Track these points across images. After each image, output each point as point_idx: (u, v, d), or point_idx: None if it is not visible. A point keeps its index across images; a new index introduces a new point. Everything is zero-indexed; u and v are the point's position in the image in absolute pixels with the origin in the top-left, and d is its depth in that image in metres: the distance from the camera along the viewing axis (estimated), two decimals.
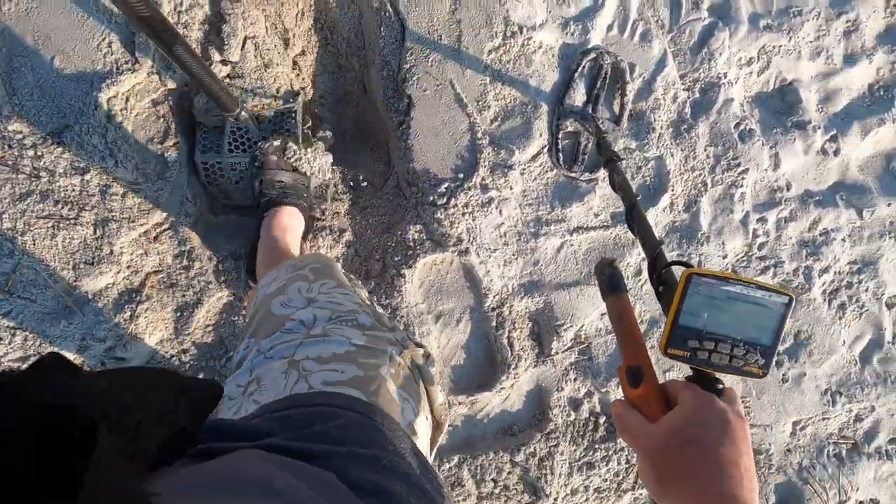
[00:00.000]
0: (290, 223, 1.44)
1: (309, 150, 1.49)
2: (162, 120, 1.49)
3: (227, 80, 1.49)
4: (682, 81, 1.72)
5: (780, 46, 1.76)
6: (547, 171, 1.66)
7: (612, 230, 1.69)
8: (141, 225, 1.47)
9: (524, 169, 1.64)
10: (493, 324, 1.65)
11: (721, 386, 0.71)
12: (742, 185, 1.74)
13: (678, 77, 1.71)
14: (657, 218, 1.72)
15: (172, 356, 1.53)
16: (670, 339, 0.71)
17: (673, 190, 1.71)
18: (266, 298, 0.91)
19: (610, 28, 1.68)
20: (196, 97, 1.50)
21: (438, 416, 0.87)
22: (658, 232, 1.72)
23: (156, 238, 1.50)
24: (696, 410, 0.65)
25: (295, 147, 1.47)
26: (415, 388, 0.81)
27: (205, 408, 0.49)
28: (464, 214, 1.60)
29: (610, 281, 0.84)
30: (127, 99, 1.44)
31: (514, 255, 1.65)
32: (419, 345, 0.89)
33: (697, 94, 1.73)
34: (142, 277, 1.50)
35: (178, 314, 1.52)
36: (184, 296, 1.52)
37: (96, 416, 0.34)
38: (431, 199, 1.60)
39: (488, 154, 1.61)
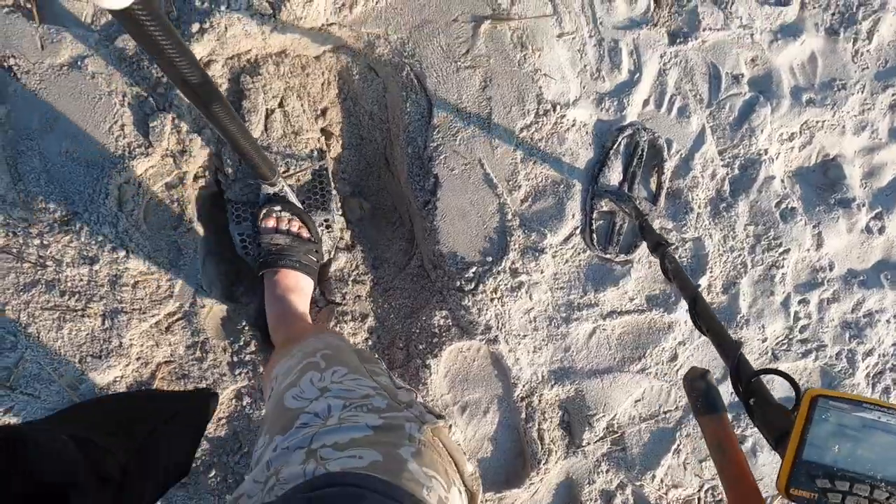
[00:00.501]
0: (290, 285, 1.38)
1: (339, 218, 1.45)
2: (176, 204, 1.41)
3: None
4: (720, 158, 1.63)
5: (824, 121, 1.68)
6: (579, 254, 1.57)
7: (647, 314, 1.60)
8: (152, 316, 1.39)
9: (556, 252, 1.55)
10: (523, 415, 1.56)
11: None
12: (783, 266, 1.65)
13: (717, 153, 1.63)
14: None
15: None
16: (792, 475, 0.60)
17: (711, 272, 1.62)
18: (279, 392, 0.91)
19: (646, 103, 1.60)
20: (221, 173, 1.43)
21: (471, 486, 0.84)
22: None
23: (168, 328, 1.41)
24: None
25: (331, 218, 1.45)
26: (440, 464, 0.78)
27: (200, 423, 0.49)
28: (492, 300, 1.52)
29: (706, 399, 0.73)
30: (139, 184, 1.36)
31: (544, 341, 1.56)
32: (439, 416, 0.86)
33: (737, 171, 1.64)
34: (152, 369, 1.41)
35: None
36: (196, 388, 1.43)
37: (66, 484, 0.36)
38: (458, 283, 1.51)
39: (518, 236, 1.53)
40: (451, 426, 0.84)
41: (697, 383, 0.73)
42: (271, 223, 1.39)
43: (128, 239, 1.35)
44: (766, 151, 1.64)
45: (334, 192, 1.50)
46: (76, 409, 0.47)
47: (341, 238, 1.54)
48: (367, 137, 1.63)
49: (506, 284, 1.52)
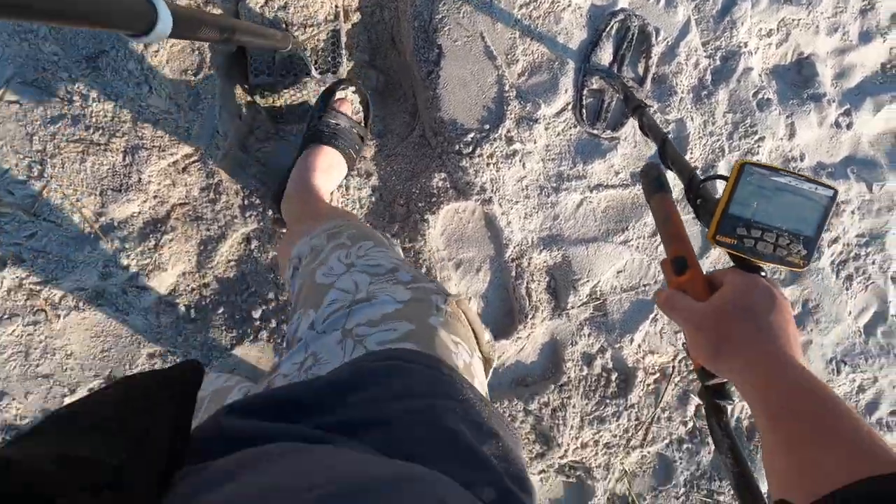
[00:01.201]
0: (329, 163, 1.44)
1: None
2: (197, 52, 1.50)
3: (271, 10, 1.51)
4: (703, 49, 1.76)
5: (799, 20, 1.81)
6: (570, 128, 1.69)
7: (630, 189, 1.72)
8: (171, 154, 1.48)
9: (549, 124, 1.66)
10: (513, 274, 1.67)
11: (763, 273, 0.75)
12: (758, 153, 1.78)
13: (700, 44, 1.75)
14: (674, 181, 1.74)
15: (193, 289, 1.53)
16: (719, 226, 0.73)
17: (691, 153, 1.74)
18: (311, 270, 0.93)
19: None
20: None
21: (487, 353, 0.90)
22: (677, 193, 1.75)
23: (184, 169, 1.50)
24: (745, 286, 0.69)
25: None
26: (464, 331, 0.82)
27: (188, 398, 0.50)
28: (488, 165, 1.63)
29: (657, 181, 0.88)
30: None
31: (534, 208, 1.67)
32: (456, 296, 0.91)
33: (718, 62, 1.77)
34: (168, 208, 1.50)
35: (202, 247, 1.52)
36: (208, 229, 1.52)
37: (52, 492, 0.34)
38: (457, 147, 1.62)
39: (515, 107, 1.63)
40: (470, 299, 0.91)
41: (651, 171, 0.88)
42: (340, 104, 1.47)
43: (151, 77, 1.44)
44: (745, 44, 1.77)
45: (345, 55, 1.59)
46: (50, 421, 0.44)
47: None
48: (377, 18, 1.73)
49: (501, 151, 1.63)
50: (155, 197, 1.49)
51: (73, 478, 0.37)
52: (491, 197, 1.64)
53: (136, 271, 1.48)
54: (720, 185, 1.66)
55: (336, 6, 1.57)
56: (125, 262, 1.47)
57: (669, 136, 1.35)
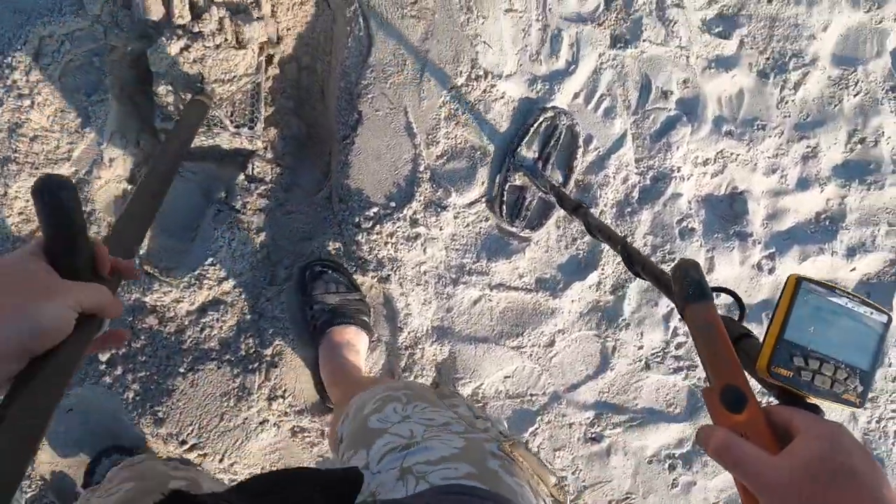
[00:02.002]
0: (347, 341, 1.46)
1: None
2: (96, 73, 1.42)
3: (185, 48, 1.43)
4: (636, 165, 1.70)
5: (738, 155, 1.76)
6: (481, 221, 1.62)
7: (533, 295, 1.65)
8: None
9: (459, 213, 1.59)
10: (403, 363, 1.58)
11: (821, 410, 0.63)
12: None
13: (633, 160, 1.70)
14: (582, 293, 1.68)
15: None
16: (774, 354, 0.62)
17: (603, 269, 1.68)
18: (362, 418, 0.93)
19: (576, 96, 1.66)
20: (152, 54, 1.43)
21: (557, 496, 0.85)
22: (580, 307, 1.68)
23: None
24: (833, 437, 0.54)
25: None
26: (524, 475, 0.80)
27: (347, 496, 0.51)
28: (386, 244, 1.55)
29: (698, 286, 0.70)
30: (62, 42, 1.37)
31: (431, 296, 1.59)
32: (520, 442, 0.90)
33: (648, 182, 1.71)
34: (32, 228, 1.41)
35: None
36: None
37: None
38: (357, 220, 1.54)
39: (426, 189, 1.57)
40: (525, 442, 0.87)
41: (690, 272, 0.71)
42: (320, 287, 1.48)
43: (36, 91, 1.36)
44: (678, 169, 1.72)
45: (263, 111, 1.51)
46: (252, 480, 0.50)
47: (264, 152, 1.56)
48: (310, 66, 1.66)
49: (403, 232, 1.55)
50: (20, 214, 1.40)
51: None
52: (389, 275, 1.56)
53: None
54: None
55: (259, 59, 1.49)
56: None
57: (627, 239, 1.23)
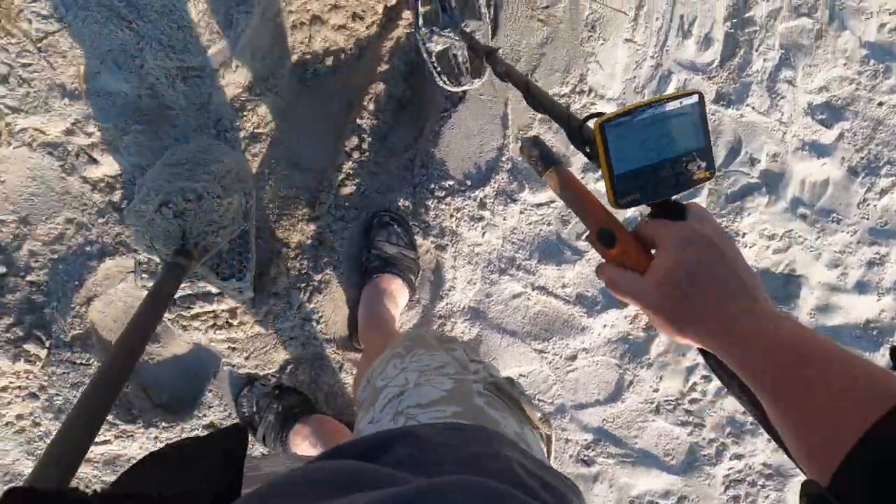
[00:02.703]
0: (391, 290, 1.55)
1: None
2: None
3: None
4: None
5: (806, 240, 1.79)
6: (543, 224, 1.69)
7: (570, 307, 1.71)
8: (180, 61, 1.54)
9: (525, 209, 1.67)
10: (433, 326, 1.67)
11: (683, 204, 0.69)
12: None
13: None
14: (616, 321, 1.73)
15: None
16: (615, 191, 0.68)
17: (637, 319, 1.73)
18: (373, 382, 1.01)
19: None
20: None
21: (543, 429, 0.90)
22: (610, 333, 1.73)
23: (185, 78, 1.56)
24: (678, 246, 0.63)
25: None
26: (508, 409, 0.85)
27: (235, 455, 0.52)
28: (451, 216, 1.64)
29: (545, 155, 0.78)
30: None
31: (476, 278, 1.68)
32: (507, 379, 0.95)
33: None
34: (153, 104, 1.55)
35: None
36: (166, 149, 1.57)
37: None
38: (432, 186, 1.64)
39: (502, 178, 1.65)
40: (511, 380, 0.95)
41: (534, 147, 0.78)
42: (382, 235, 1.58)
43: None
44: (743, 235, 1.75)
45: (252, 257, 1.43)
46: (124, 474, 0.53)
47: (368, 102, 1.67)
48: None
49: (469, 211, 1.64)
50: (148, 88, 1.55)
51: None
52: (446, 246, 1.65)
53: (95, 141, 1.53)
54: None
55: (247, 203, 1.38)
56: (90, 128, 1.52)
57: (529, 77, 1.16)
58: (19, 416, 1.53)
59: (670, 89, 1.71)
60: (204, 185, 1.29)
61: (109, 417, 1.55)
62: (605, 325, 1.73)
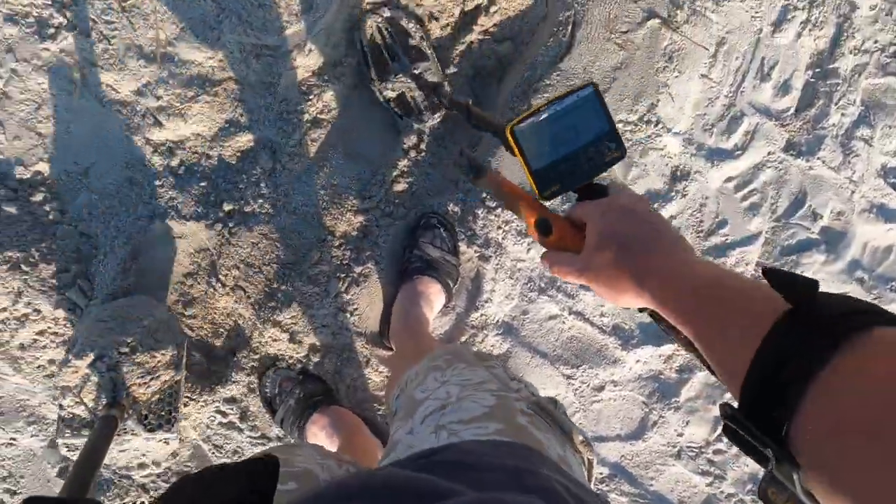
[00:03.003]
0: (428, 293, 1.55)
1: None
2: None
3: None
4: (755, 268, 1.70)
5: None
6: None
7: (605, 337, 1.68)
8: (256, 38, 1.56)
9: None
10: (463, 339, 1.65)
11: (604, 184, 0.76)
12: None
13: (755, 262, 1.70)
14: (650, 358, 1.69)
15: (196, 152, 1.60)
16: (538, 185, 0.76)
17: (672, 360, 1.69)
18: (410, 392, 1.01)
19: (729, 179, 1.69)
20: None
21: (585, 453, 0.90)
22: (642, 370, 1.69)
23: (258, 55, 1.58)
24: (601, 217, 0.70)
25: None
26: (552, 430, 0.85)
27: (263, 483, 0.54)
28: (499, 228, 1.63)
29: (473, 164, 0.88)
30: None
31: (515, 294, 1.66)
32: (550, 399, 0.95)
33: None
34: (224, 76, 1.57)
35: (227, 125, 1.59)
36: (241, 116, 1.59)
37: None
38: (484, 195, 1.63)
39: (556, 198, 1.63)
40: (555, 401, 0.94)
41: (462, 160, 0.88)
42: (427, 236, 1.58)
43: None
44: None
45: (182, 408, 1.47)
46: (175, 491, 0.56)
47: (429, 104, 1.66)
48: (503, 50, 1.77)
49: (517, 225, 1.63)
50: (220, 61, 1.57)
51: None
52: (490, 257, 1.63)
53: (163, 105, 1.56)
54: None
55: (178, 354, 1.45)
56: (160, 91, 1.55)
57: (470, 101, 1.20)
58: (51, 361, 1.56)
59: (740, 132, 1.67)
60: (138, 338, 1.38)
61: None
62: (637, 361, 1.69)
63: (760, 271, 0.55)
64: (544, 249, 0.78)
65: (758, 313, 0.48)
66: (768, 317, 0.46)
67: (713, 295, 0.56)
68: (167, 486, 1.38)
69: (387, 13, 1.59)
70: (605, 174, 0.76)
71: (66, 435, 1.34)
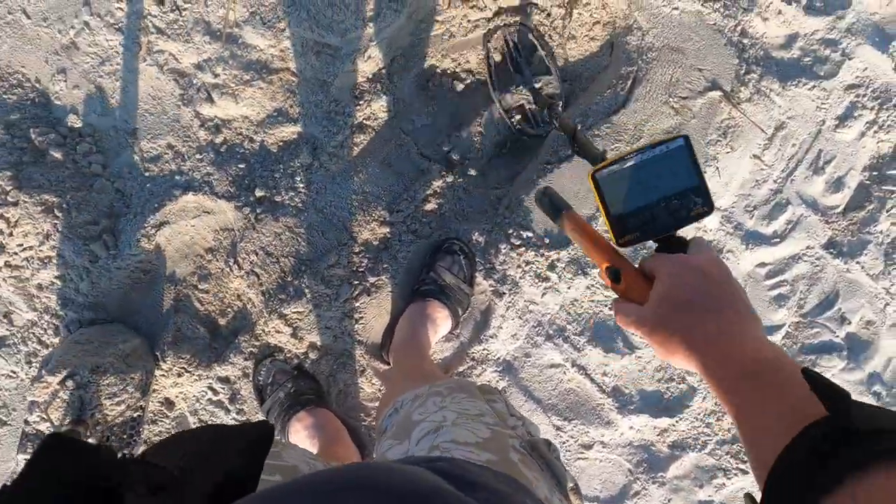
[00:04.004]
0: (435, 318, 1.55)
1: None
2: None
3: None
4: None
5: None
6: (606, 307, 1.64)
7: (603, 397, 1.65)
8: (319, 37, 1.58)
9: (592, 285, 1.63)
10: (461, 368, 1.65)
11: (685, 239, 0.75)
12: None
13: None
14: (644, 427, 1.66)
15: (241, 134, 1.62)
16: (615, 232, 0.75)
17: (677, 422, 1.65)
18: (407, 412, 1.02)
19: (762, 265, 1.65)
20: None
21: (573, 500, 0.89)
22: (633, 437, 1.66)
23: (318, 53, 1.60)
24: (671, 275, 0.68)
25: None
26: (542, 472, 0.85)
27: (258, 448, 0.54)
28: (518, 266, 1.62)
29: (555, 204, 0.86)
30: None
31: (521, 335, 1.64)
32: (545, 440, 0.95)
33: None
34: (282, 66, 1.60)
35: (276, 114, 1.62)
36: (292, 106, 1.62)
37: (120, 483, 0.41)
38: (510, 231, 1.62)
39: (579, 248, 1.61)
40: (549, 444, 0.94)
41: (544, 198, 0.86)
42: (446, 261, 1.58)
43: None
44: None
45: (143, 430, 1.52)
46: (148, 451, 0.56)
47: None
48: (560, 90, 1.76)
49: (538, 268, 1.61)
50: (282, 51, 1.60)
51: (140, 473, 0.44)
52: (503, 293, 1.62)
53: (218, 83, 1.59)
54: None
55: (146, 379, 1.49)
56: (219, 69, 1.58)
57: (579, 128, 1.23)
58: (63, 304, 1.61)
59: (783, 219, 1.63)
60: (111, 361, 1.43)
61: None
62: (631, 427, 1.66)
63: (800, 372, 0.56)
64: (615, 296, 0.77)
65: (797, 412, 0.50)
66: (804, 419, 0.49)
67: (758, 384, 0.57)
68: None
69: (521, 23, 1.66)
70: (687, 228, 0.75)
71: (28, 450, 1.38)
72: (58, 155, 1.58)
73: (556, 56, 1.69)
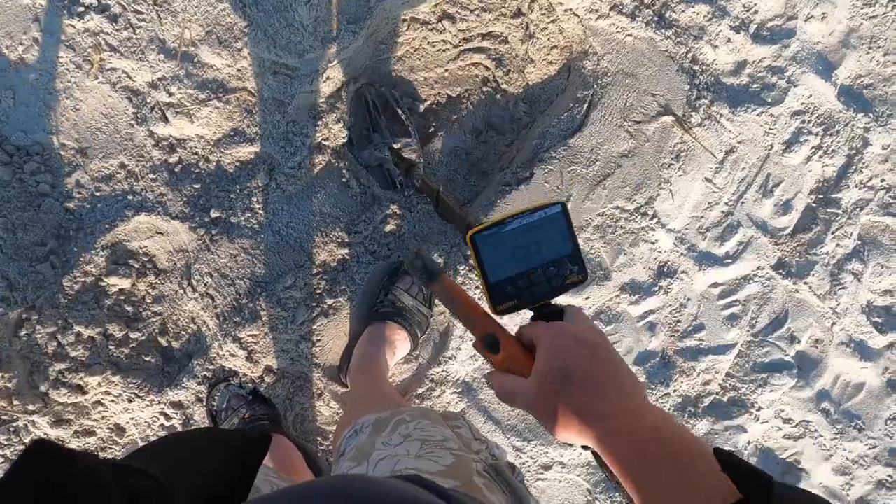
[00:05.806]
0: (393, 340, 1.54)
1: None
2: (366, 8, 1.60)
3: None
4: (724, 378, 1.69)
5: (821, 436, 1.71)
6: None
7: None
8: (277, 56, 1.57)
9: None
10: (420, 390, 1.64)
11: (560, 307, 0.73)
12: None
13: (725, 372, 1.68)
14: None
15: (196, 153, 1.60)
16: (492, 298, 0.73)
17: None
18: (371, 439, 1.00)
19: (715, 286, 1.68)
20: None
21: None
22: (588, 458, 1.67)
23: (276, 72, 1.59)
24: (555, 345, 0.65)
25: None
26: (504, 495, 0.84)
27: (248, 457, 0.53)
28: (476, 287, 1.62)
29: (428, 268, 0.80)
30: None
31: (479, 356, 1.64)
32: (509, 464, 0.95)
33: (725, 400, 1.69)
34: (239, 85, 1.59)
35: (232, 134, 1.60)
36: (248, 127, 1.60)
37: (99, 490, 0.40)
38: (469, 254, 1.62)
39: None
40: (513, 467, 0.93)
41: (417, 261, 0.80)
42: (405, 283, 1.58)
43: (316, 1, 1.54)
44: (759, 409, 1.68)
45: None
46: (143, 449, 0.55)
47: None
48: (519, 113, 1.78)
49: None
50: (238, 70, 1.58)
51: (118, 481, 0.43)
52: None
53: (173, 101, 1.57)
54: None
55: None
56: (174, 88, 1.56)
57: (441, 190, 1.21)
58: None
59: (734, 241, 1.67)
60: None
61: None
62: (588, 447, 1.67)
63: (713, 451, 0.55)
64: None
65: (704, 495, 0.49)
66: (714, 501, 0.47)
67: (659, 458, 0.55)
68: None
69: (381, 86, 1.61)
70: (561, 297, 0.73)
71: None
72: (2, 174, 1.54)
73: (414, 122, 1.64)
